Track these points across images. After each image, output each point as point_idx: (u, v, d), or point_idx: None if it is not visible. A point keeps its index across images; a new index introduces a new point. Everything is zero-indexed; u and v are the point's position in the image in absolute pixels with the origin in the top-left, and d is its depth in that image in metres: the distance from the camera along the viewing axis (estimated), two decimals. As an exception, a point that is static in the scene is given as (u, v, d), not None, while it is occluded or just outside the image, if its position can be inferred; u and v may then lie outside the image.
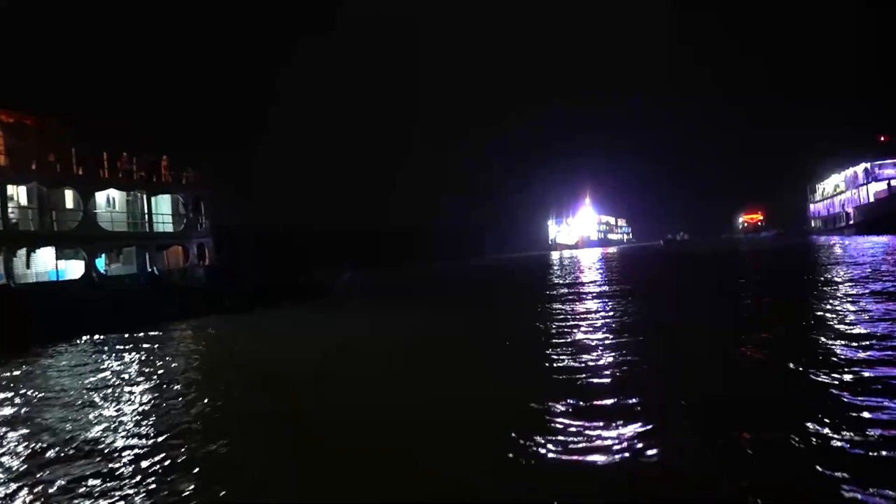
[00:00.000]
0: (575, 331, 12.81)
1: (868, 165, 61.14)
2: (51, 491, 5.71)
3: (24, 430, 7.82)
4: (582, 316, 15.07)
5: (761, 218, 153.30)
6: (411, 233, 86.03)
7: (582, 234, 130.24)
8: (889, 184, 56.77)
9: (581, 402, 7.34)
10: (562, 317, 15.27)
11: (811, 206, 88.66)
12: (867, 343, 9.33)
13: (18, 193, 18.76)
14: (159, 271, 22.11)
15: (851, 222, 65.07)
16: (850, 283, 17.55)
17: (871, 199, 59.86)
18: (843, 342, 9.62)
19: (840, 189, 71.78)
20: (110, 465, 6.24)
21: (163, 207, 23.64)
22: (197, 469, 6.02)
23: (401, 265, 64.28)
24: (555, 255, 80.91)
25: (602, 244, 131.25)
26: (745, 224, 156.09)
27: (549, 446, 5.87)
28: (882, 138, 61.84)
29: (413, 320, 17.97)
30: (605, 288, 22.95)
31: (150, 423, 7.89)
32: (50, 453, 6.78)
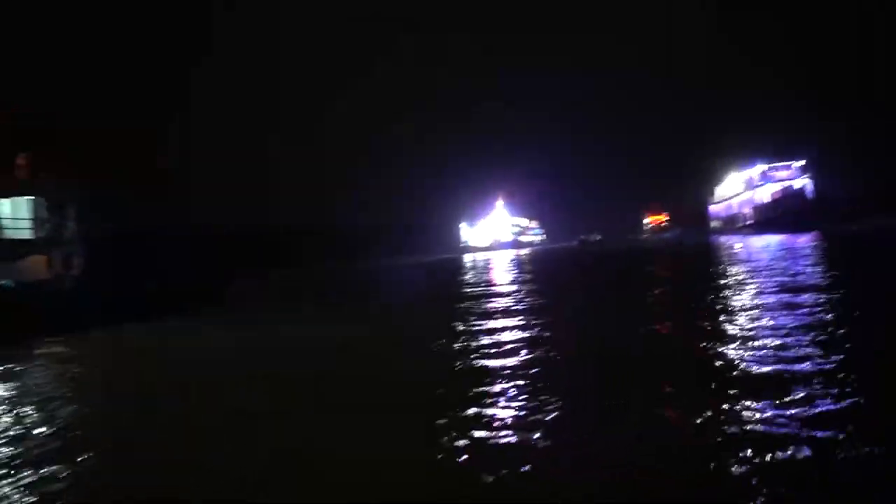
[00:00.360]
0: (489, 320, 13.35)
1: (764, 167, 63.90)
2: None
3: None
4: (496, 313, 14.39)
5: (666, 219, 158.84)
6: (322, 232, 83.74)
7: (495, 235, 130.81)
8: (783, 185, 59.40)
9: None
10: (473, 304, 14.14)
11: (711, 206, 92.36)
12: (750, 319, 10.90)
13: None
14: (15, 283, 19.45)
15: (749, 222, 67.77)
16: (743, 275, 19.41)
17: (767, 200, 62.48)
18: (736, 324, 10.74)
19: (739, 191, 74.73)
20: None
21: (20, 211, 20.98)
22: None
23: (311, 266, 62.17)
24: (468, 258, 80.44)
25: (515, 246, 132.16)
26: (651, 225, 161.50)
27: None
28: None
29: (300, 333, 16.20)
30: (519, 293, 21.98)
31: None
32: None
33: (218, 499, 5.09)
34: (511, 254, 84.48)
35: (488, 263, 51.75)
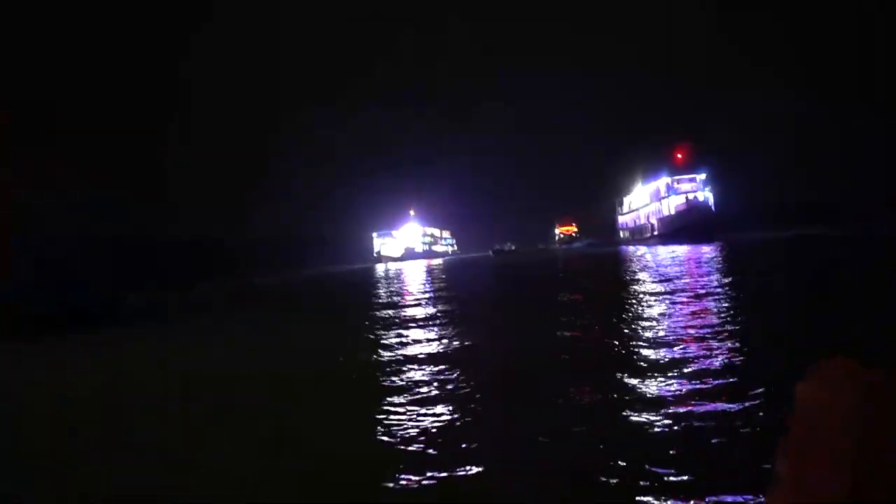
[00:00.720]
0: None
1: (669, 180, 65.59)
2: None
3: None
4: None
5: (575, 229, 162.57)
6: (227, 244, 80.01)
7: (407, 246, 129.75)
8: (687, 197, 61.06)
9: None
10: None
11: (619, 218, 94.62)
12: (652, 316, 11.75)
13: None
14: None
15: (656, 233, 69.47)
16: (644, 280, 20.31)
17: (672, 212, 64.11)
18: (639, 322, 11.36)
19: (645, 202, 76.67)
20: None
21: None
22: None
23: (213, 280, 58.82)
24: (380, 268, 79.06)
25: (427, 256, 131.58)
26: (561, 235, 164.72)
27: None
28: (678, 155, 66.53)
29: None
30: (437, 303, 20.67)
31: None
32: None
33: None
34: (423, 264, 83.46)
35: (400, 274, 50.48)
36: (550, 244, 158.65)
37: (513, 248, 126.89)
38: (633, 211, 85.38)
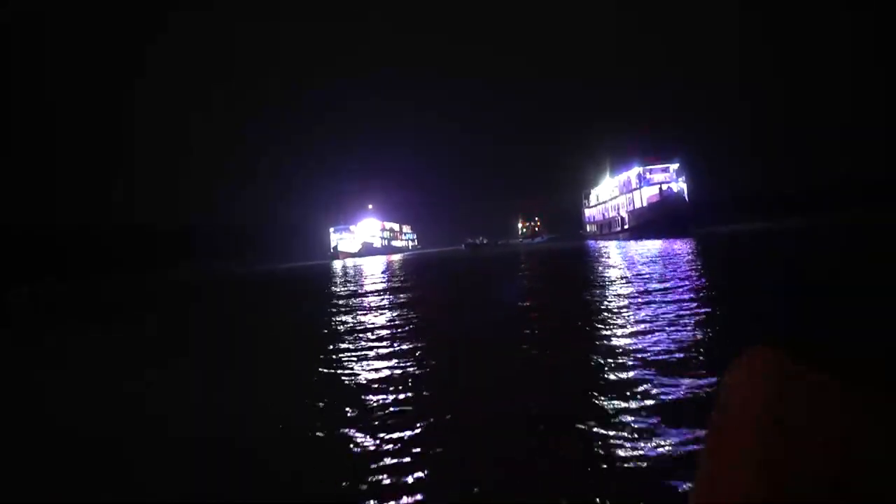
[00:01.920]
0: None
1: (640, 170, 61.48)
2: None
3: None
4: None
5: (538, 224, 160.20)
6: (167, 231, 73.84)
7: (365, 241, 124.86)
8: (660, 188, 56.97)
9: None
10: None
11: (586, 211, 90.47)
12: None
13: None
14: None
15: (626, 227, 65.45)
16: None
17: (644, 204, 60.07)
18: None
19: (614, 194, 72.62)
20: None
21: None
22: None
23: (143, 271, 53.10)
24: (337, 265, 74.24)
25: (386, 252, 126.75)
26: (524, 230, 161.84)
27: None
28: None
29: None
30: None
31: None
32: None
33: None
34: (382, 260, 78.55)
35: (360, 272, 45.47)
36: (511, 239, 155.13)
37: (485, 241, 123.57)
38: (600, 203, 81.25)
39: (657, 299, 11.38)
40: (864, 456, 0.48)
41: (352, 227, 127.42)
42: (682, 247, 32.75)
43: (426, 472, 4.24)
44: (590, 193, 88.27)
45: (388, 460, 4.49)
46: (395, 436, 4.98)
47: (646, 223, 57.68)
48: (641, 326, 8.91)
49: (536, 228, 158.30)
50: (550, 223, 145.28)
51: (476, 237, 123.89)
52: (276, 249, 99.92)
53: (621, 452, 4.27)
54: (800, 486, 0.50)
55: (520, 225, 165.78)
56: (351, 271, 45.58)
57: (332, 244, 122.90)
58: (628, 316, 9.97)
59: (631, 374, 6.30)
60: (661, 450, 4.24)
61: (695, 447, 4.16)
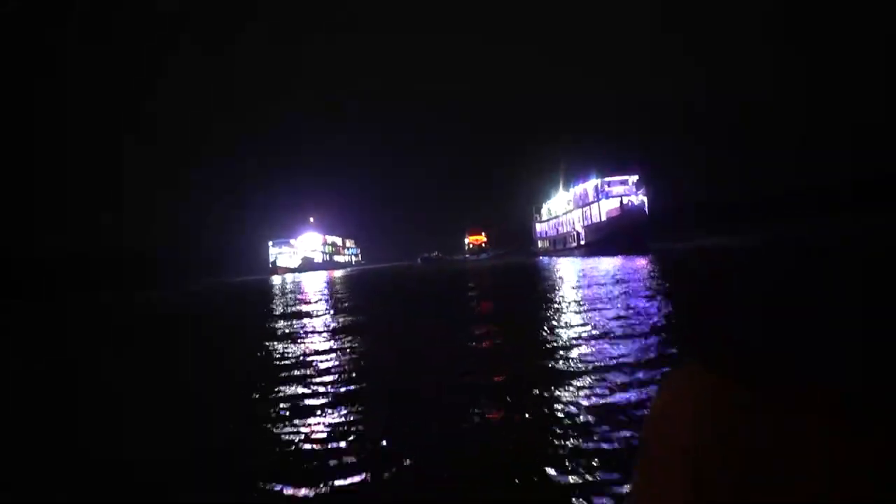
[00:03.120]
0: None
1: (598, 182, 58.28)
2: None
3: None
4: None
5: (485, 239, 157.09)
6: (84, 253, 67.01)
7: (305, 256, 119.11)
8: (621, 201, 53.71)
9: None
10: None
11: (537, 226, 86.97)
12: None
13: None
14: None
15: (582, 242, 62.13)
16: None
17: (603, 218, 56.77)
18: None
19: (568, 208, 69.37)
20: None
21: None
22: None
23: (65, 296, 46.82)
24: (276, 280, 69.34)
25: (328, 267, 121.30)
26: (470, 245, 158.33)
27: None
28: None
29: None
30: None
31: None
32: None
33: None
34: (323, 276, 73.69)
35: (300, 287, 40.55)
36: (456, 255, 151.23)
37: (439, 256, 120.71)
38: (552, 218, 77.91)
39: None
40: (782, 468, 0.51)
41: (292, 241, 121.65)
42: (643, 265, 29.89)
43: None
44: (541, 207, 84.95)
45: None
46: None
47: (604, 238, 54.38)
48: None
49: (484, 244, 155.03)
50: (499, 239, 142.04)
51: (431, 252, 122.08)
52: (203, 267, 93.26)
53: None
54: (721, 498, 0.52)
55: (466, 241, 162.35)
56: (288, 292, 40.71)
57: (271, 259, 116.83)
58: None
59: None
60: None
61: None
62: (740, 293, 15.14)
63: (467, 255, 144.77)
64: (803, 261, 23.54)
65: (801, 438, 0.51)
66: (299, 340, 13.06)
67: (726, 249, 38.78)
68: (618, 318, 11.89)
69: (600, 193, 57.66)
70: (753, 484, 0.51)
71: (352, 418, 6.57)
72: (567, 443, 5.07)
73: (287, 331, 15.22)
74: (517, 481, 4.47)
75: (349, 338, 12.93)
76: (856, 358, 6.79)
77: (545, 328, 11.77)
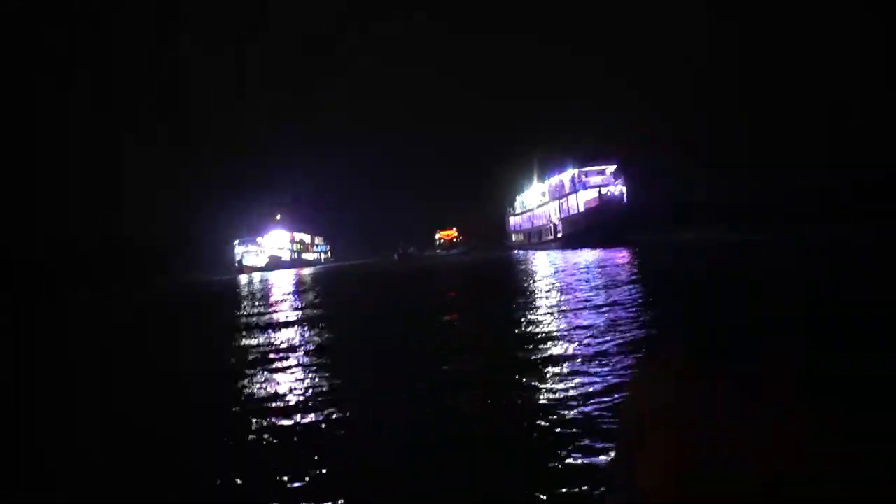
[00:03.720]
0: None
1: (576, 173, 56.26)
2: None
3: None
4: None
5: (456, 234, 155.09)
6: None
7: (272, 254, 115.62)
8: (599, 191, 51.76)
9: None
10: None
11: (511, 219, 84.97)
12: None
13: None
14: None
15: (559, 235, 60.14)
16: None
17: (581, 209, 54.77)
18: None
19: (542, 200, 67.35)
20: None
21: None
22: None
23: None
24: (243, 279, 66.41)
25: (296, 265, 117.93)
26: (442, 241, 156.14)
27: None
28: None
29: None
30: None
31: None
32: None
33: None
34: (291, 274, 70.86)
35: (268, 287, 37.78)
36: (430, 250, 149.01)
37: (414, 251, 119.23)
38: (527, 211, 75.85)
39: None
40: (757, 450, 0.54)
41: (259, 240, 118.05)
42: (622, 258, 28.30)
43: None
44: (515, 201, 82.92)
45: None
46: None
47: (582, 230, 52.41)
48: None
49: (454, 239, 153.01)
50: (471, 233, 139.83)
51: (407, 248, 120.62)
52: (174, 265, 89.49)
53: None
54: (695, 481, 0.55)
55: (437, 236, 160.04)
56: (254, 292, 37.93)
57: (237, 257, 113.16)
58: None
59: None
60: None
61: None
62: (732, 288, 14.26)
63: (438, 251, 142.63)
64: (803, 259, 21.84)
65: (771, 420, 0.55)
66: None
67: (711, 244, 37.15)
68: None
69: (577, 184, 55.70)
70: (731, 464, 0.54)
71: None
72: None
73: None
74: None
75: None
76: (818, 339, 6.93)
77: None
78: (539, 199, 69.46)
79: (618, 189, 51.64)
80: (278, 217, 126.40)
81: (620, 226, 48.64)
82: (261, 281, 54.36)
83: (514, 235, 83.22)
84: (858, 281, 13.38)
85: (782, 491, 0.53)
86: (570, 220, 57.29)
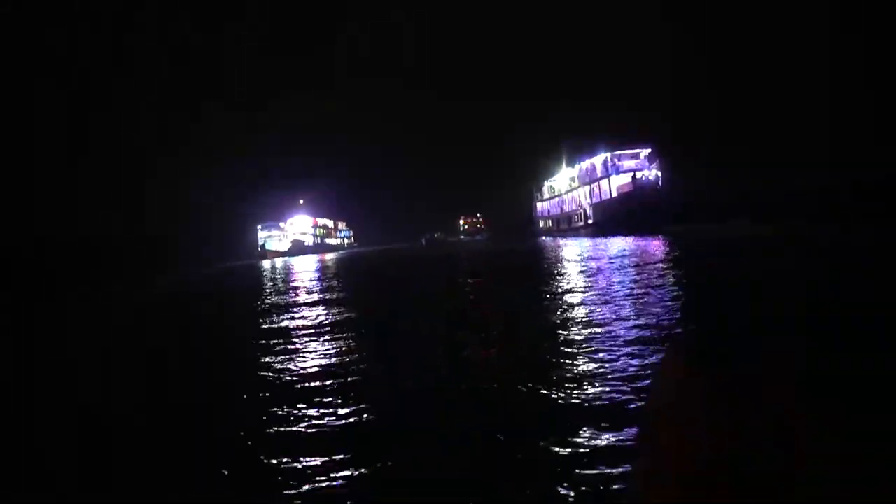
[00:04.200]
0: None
1: (608, 156, 53.93)
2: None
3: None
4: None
5: (480, 221, 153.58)
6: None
7: (295, 239, 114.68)
8: (634, 176, 49.49)
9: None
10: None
11: (538, 205, 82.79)
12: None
13: None
14: None
15: (590, 221, 58.06)
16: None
17: (614, 194, 52.61)
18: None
19: (572, 185, 65.19)
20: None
21: None
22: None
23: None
24: (266, 265, 65.62)
25: (319, 250, 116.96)
26: (465, 227, 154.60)
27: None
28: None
29: None
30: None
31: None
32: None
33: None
34: (314, 259, 69.86)
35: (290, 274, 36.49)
36: (450, 237, 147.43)
37: (443, 237, 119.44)
38: (555, 196, 73.68)
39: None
40: (756, 446, 0.55)
41: (282, 224, 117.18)
42: (660, 248, 26.32)
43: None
44: (542, 186, 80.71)
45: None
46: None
47: (614, 217, 50.28)
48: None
49: (478, 225, 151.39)
50: (496, 218, 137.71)
51: (434, 234, 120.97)
52: (198, 253, 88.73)
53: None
54: (706, 471, 0.56)
55: (461, 222, 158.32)
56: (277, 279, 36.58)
57: (260, 242, 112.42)
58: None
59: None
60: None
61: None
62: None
63: (462, 237, 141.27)
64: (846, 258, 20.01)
65: (789, 425, 0.56)
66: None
67: (751, 237, 34.94)
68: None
69: (610, 168, 53.45)
70: (749, 469, 0.54)
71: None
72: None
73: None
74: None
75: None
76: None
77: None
78: (568, 184, 67.33)
79: (653, 174, 49.28)
80: (301, 202, 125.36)
81: (655, 213, 46.33)
82: (282, 268, 53.35)
83: (541, 221, 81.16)
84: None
85: (782, 491, 0.53)
86: (601, 206, 55.18)
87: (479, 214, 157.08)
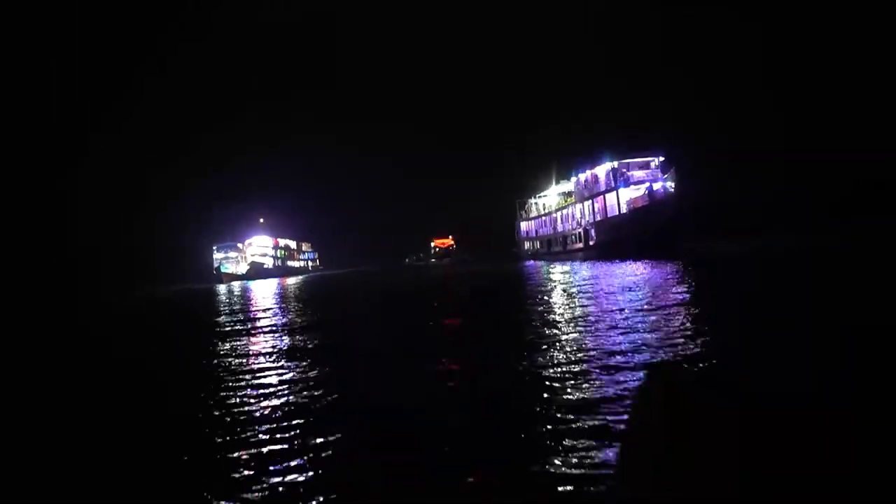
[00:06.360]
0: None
1: (614, 165, 46.48)
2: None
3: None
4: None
5: (452, 243, 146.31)
6: None
7: (254, 261, 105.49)
8: (650, 188, 42.02)
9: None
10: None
11: (522, 224, 74.59)
12: None
13: None
14: None
15: (592, 242, 50.30)
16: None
17: (623, 210, 45.02)
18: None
19: (569, 201, 57.54)
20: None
21: None
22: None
23: None
24: (222, 289, 58.89)
25: (280, 273, 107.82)
26: (437, 249, 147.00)
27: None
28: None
29: None
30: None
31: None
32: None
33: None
34: (273, 283, 61.46)
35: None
36: (418, 260, 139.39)
37: (422, 257, 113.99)
38: (545, 214, 65.97)
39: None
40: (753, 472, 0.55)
41: (240, 245, 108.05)
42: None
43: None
44: (527, 203, 72.79)
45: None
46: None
47: (625, 236, 42.70)
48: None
49: (450, 247, 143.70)
50: (474, 240, 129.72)
51: (416, 255, 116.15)
52: (142, 274, 79.44)
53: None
54: (689, 489, 0.56)
55: (433, 244, 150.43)
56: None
57: (215, 264, 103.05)
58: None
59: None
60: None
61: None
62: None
63: (433, 260, 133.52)
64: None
65: (770, 448, 0.56)
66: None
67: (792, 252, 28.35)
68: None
69: (617, 180, 45.93)
70: (725, 484, 0.54)
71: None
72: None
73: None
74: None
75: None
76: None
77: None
78: (559, 201, 59.81)
79: (669, 184, 41.87)
80: (261, 220, 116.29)
81: (672, 231, 39.03)
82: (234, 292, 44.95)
83: (525, 243, 73.02)
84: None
85: (783, 491, 0.52)
86: (607, 224, 47.49)
87: (450, 237, 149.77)
